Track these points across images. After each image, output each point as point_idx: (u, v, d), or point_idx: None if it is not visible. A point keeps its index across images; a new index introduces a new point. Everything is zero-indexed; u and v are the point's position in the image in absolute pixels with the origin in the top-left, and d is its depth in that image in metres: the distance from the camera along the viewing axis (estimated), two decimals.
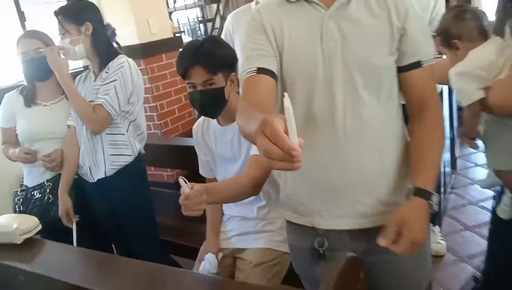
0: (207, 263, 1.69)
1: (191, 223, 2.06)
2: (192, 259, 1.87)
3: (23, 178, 2.13)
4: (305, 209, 1.14)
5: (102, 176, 1.97)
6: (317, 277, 1.14)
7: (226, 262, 1.76)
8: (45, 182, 2.04)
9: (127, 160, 1.98)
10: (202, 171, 1.81)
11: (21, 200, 2.04)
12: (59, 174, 2.02)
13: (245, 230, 1.72)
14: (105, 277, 1.28)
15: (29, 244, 1.49)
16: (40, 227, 1.58)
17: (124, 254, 2.13)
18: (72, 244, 1.94)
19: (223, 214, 1.83)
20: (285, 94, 0.65)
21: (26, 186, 2.09)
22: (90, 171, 2.00)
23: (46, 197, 2.03)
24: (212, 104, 1.54)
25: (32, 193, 2.04)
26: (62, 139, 2.04)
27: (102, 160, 1.95)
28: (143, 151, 2.10)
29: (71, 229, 1.99)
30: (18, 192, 2.07)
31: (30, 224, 1.55)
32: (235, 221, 1.77)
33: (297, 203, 1.15)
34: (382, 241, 0.91)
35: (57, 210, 1.99)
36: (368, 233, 1.05)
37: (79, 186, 2.05)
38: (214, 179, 1.77)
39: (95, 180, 1.99)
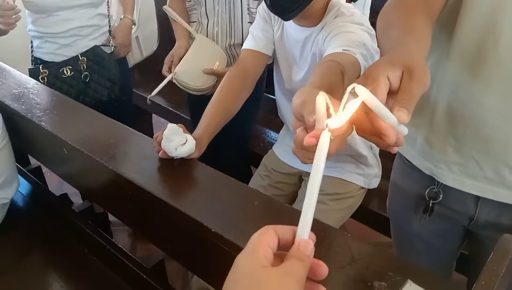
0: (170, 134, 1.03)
1: None
2: None
3: (32, 51, 1.79)
4: (432, 153, 0.94)
5: None
6: (411, 229, 1.05)
7: (292, 180, 1.57)
8: (79, 56, 1.73)
9: None
10: (251, 44, 1.37)
11: (45, 78, 1.70)
12: (95, 47, 1.75)
13: None
14: None
15: None
16: None
17: None
18: None
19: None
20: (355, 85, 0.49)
21: (45, 60, 1.75)
22: None
23: (82, 75, 1.74)
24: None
25: (62, 70, 1.71)
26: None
27: None
28: None
29: (121, 113, 1.74)
30: (41, 69, 1.70)
31: None
32: None
33: (427, 141, 0.95)
34: None
35: (97, 91, 1.78)
36: (502, 207, 0.89)
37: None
38: (262, 57, 1.37)
39: None
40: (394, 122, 0.50)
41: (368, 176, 1.51)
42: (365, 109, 0.49)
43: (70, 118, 1.27)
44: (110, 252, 1.24)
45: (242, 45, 1.78)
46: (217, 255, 0.86)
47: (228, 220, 0.87)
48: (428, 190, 0.98)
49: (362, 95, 0.47)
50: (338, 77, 0.82)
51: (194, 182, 1.01)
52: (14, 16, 1.48)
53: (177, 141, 1.01)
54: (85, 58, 1.72)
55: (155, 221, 1.04)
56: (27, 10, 1.69)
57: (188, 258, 1.04)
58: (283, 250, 0.42)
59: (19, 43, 1.98)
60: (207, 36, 1.69)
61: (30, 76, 1.64)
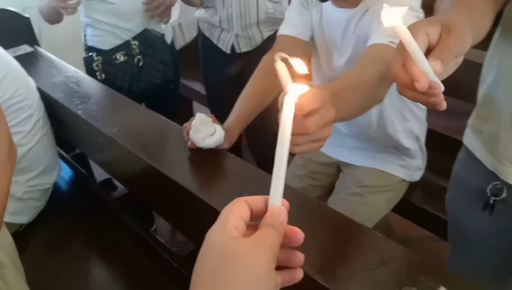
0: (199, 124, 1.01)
1: None
2: None
3: (86, 40, 1.77)
4: (497, 148, 0.88)
5: None
6: (469, 225, 0.99)
7: (329, 171, 1.49)
8: (131, 41, 1.69)
9: None
10: (287, 29, 1.27)
11: (100, 66, 1.67)
12: (146, 30, 1.70)
13: (360, 145, 1.41)
14: None
15: None
16: None
17: None
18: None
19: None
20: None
21: (98, 48, 1.71)
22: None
23: (135, 59, 1.70)
24: None
25: (114, 56, 1.68)
26: None
27: None
28: None
29: (171, 98, 1.87)
30: (94, 56, 1.66)
31: None
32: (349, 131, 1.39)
33: (492, 135, 0.89)
34: None
35: (151, 74, 1.74)
36: None
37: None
38: (299, 43, 1.26)
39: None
40: (428, 70, 0.51)
41: (411, 168, 1.43)
42: (402, 60, 0.52)
43: (107, 107, 1.29)
44: (144, 239, 1.26)
45: (257, 25, 1.74)
46: None
47: None
48: (491, 186, 0.90)
49: (401, 32, 0.50)
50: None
51: (222, 173, 1.00)
52: (75, 1, 1.47)
53: (205, 132, 0.99)
54: (137, 42, 1.69)
55: (183, 211, 1.04)
56: None
57: None
58: (257, 220, 0.41)
59: (70, 31, 2.02)
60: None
61: (85, 64, 1.68)
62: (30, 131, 1.30)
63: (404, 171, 1.42)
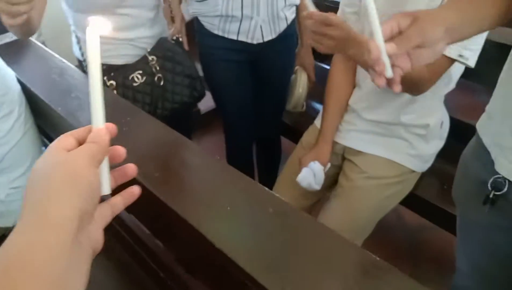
0: (309, 174, 1.32)
1: None
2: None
3: (83, 54, 1.47)
4: (492, 138, 0.85)
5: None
6: (471, 217, 0.96)
7: (334, 160, 1.42)
8: (148, 56, 1.45)
9: None
10: None
11: (115, 91, 1.41)
12: (162, 40, 1.48)
13: (372, 129, 1.33)
14: None
15: None
16: None
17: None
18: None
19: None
20: None
21: (108, 64, 1.42)
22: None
23: (156, 78, 1.45)
24: None
25: (131, 77, 1.42)
26: None
27: None
28: None
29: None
30: (106, 81, 1.39)
31: None
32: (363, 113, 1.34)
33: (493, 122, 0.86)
34: None
35: (176, 92, 1.50)
36: None
37: None
38: None
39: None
40: (381, 46, 0.61)
41: (422, 158, 1.32)
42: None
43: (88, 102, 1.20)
44: (130, 243, 1.19)
45: (283, 9, 1.58)
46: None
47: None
48: (492, 179, 0.83)
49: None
50: None
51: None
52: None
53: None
54: (154, 57, 1.45)
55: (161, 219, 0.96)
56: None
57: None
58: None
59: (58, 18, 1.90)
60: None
61: None
62: (11, 129, 1.22)
63: (415, 162, 1.32)
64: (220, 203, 0.80)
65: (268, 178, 2.00)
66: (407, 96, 1.21)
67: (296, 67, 1.79)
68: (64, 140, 0.43)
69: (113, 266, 1.22)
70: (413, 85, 1.06)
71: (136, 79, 1.42)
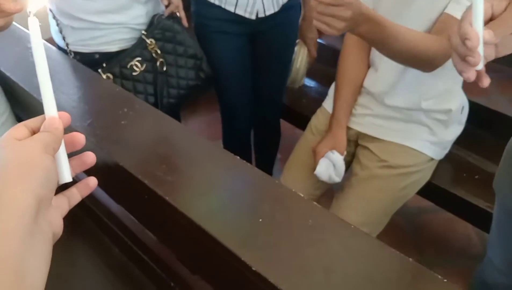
0: (329, 166, 1.21)
1: None
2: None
3: (67, 45, 1.27)
4: None
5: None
6: None
7: (347, 147, 1.30)
8: (145, 39, 1.27)
9: None
10: None
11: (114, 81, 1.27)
12: (160, 18, 1.30)
13: (390, 114, 1.23)
14: None
15: None
16: None
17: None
18: None
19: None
20: None
21: (101, 52, 1.26)
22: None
23: (158, 63, 1.30)
24: None
25: (129, 66, 1.27)
26: None
27: None
28: None
29: None
30: (101, 73, 1.24)
31: None
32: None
33: None
34: None
35: (181, 76, 1.36)
36: None
37: None
38: None
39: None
40: (480, 33, 0.52)
41: (441, 144, 1.24)
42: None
43: (75, 89, 1.05)
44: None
45: None
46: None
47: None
48: None
49: None
50: None
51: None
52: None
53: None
54: (153, 40, 1.29)
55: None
56: None
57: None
58: None
59: None
60: None
61: None
62: None
63: (434, 149, 1.23)
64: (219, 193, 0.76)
65: (266, 163, 1.90)
66: (428, 79, 1.11)
67: (297, 40, 1.66)
68: (16, 130, 0.42)
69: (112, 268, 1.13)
70: (428, 59, 0.97)
71: (135, 68, 1.27)
